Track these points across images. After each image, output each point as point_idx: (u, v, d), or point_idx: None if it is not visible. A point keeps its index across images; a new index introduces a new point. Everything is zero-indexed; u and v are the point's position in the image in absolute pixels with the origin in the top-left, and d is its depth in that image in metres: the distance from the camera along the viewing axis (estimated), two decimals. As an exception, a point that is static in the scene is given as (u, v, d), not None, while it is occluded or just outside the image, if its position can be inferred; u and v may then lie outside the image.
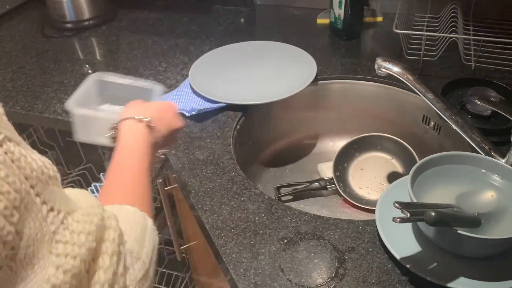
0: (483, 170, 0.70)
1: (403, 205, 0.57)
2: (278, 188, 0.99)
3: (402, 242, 0.64)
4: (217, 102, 0.96)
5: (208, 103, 0.96)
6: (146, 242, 0.47)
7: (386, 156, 1.02)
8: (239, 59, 1.10)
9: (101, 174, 1.09)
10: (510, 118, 0.75)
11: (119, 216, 0.45)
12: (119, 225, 0.42)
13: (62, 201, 0.36)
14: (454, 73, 1.03)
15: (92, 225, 0.37)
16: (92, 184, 1.04)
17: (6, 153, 0.31)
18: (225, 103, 0.95)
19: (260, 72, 1.05)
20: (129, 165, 0.56)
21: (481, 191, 0.68)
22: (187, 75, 1.06)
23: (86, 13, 1.32)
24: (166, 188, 0.95)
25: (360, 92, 1.07)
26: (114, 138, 0.62)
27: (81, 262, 0.35)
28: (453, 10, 1.12)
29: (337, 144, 1.09)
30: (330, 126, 1.13)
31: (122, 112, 0.63)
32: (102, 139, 0.64)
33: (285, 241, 0.68)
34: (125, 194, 0.52)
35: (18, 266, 0.30)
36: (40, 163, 0.34)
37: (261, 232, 0.69)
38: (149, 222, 0.50)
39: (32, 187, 0.32)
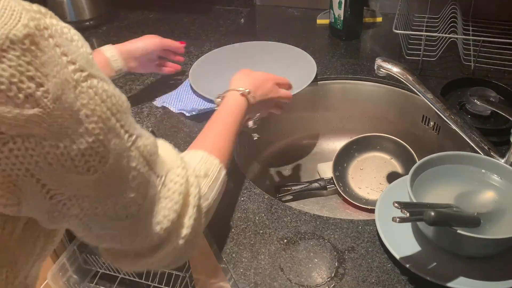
0: (483, 170, 0.70)
1: (403, 205, 0.57)
2: (278, 188, 0.99)
3: (402, 241, 0.65)
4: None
5: (208, 103, 0.96)
6: (215, 190, 0.59)
7: (386, 156, 1.02)
8: (239, 59, 1.10)
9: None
10: (510, 118, 0.75)
11: (199, 161, 0.59)
12: (198, 181, 0.55)
13: (134, 128, 0.44)
14: (454, 73, 1.04)
15: (182, 186, 0.50)
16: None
17: (90, 87, 0.38)
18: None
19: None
20: (221, 124, 0.70)
21: (481, 191, 0.68)
22: (187, 75, 1.06)
23: (87, 14, 1.32)
24: (166, 188, 0.96)
25: (359, 92, 1.07)
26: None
27: (176, 213, 0.49)
28: (452, 10, 1.12)
29: (337, 144, 1.09)
30: (330, 126, 1.13)
31: (231, 82, 0.78)
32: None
33: (285, 241, 0.68)
34: (209, 143, 0.66)
35: (109, 174, 0.40)
36: (118, 97, 0.41)
37: (261, 232, 0.69)
38: (223, 173, 0.62)
39: (113, 114, 0.40)
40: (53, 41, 0.36)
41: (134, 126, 0.44)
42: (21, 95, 0.33)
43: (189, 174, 0.53)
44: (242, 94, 0.75)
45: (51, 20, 0.37)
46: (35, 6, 0.36)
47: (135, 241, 0.47)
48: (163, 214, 0.48)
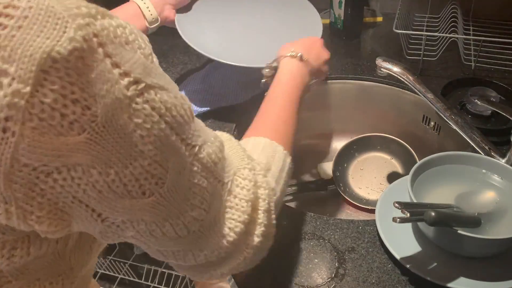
0: (483, 170, 0.69)
1: (403, 205, 0.57)
2: (278, 188, 0.99)
3: (402, 242, 0.64)
4: (215, 103, 0.95)
5: (208, 104, 0.96)
6: (282, 180, 0.54)
7: (386, 156, 1.02)
8: (234, 7, 0.98)
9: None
10: (510, 118, 0.74)
11: (262, 151, 0.53)
12: (267, 181, 0.48)
13: (203, 134, 0.40)
14: (454, 73, 1.03)
15: (250, 192, 0.44)
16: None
17: (146, 102, 0.32)
18: (218, 60, 0.84)
19: (257, 27, 0.94)
20: (279, 102, 0.61)
21: (481, 191, 0.68)
22: (187, 75, 1.06)
23: (86, 13, 1.32)
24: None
25: (360, 92, 1.06)
26: (267, 77, 0.72)
27: (244, 224, 0.43)
28: (453, 10, 1.12)
29: (337, 144, 1.09)
30: (330, 126, 1.13)
31: (278, 52, 0.70)
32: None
33: (285, 241, 0.68)
34: (269, 128, 0.58)
35: (167, 195, 0.35)
36: (180, 106, 0.35)
37: (261, 232, 0.69)
38: (288, 161, 0.56)
39: (172, 129, 0.34)
40: (102, 51, 0.30)
41: (197, 134, 0.38)
42: (64, 123, 0.29)
43: (257, 174, 0.47)
44: (295, 58, 0.67)
45: (102, 22, 0.31)
46: (84, 7, 0.30)
47: (200, 256, 0.42)
48: (229, 226, 0.42)
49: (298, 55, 0.66)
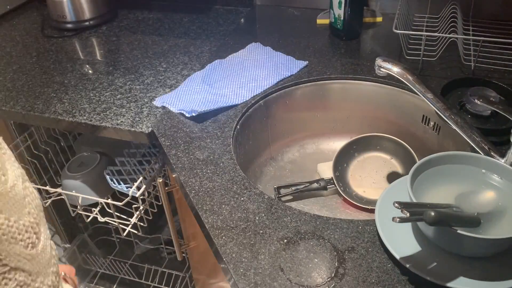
0: (483, 170, 0.70)
1: (403, 205, 0.57)
2: (278, 188, 0.99)
3: (402, 242, 0.65)
4: (215, 103, 0.96)
5: (208, 104, 0.96)
6: None
7: (386, 156, 1.02)
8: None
9: (104, 171, 1.09)
10: (510, 118, 0.75)
11: None
12: None
13: None
14: (454, 73, 1.04)
15: None
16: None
17: None
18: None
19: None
20: None
21: (481, 191, 0.68)
22: (187, 75, 1.06)
23: (86, 13, 1.32)
24: (166, 188, 0.96)
25: (360, 92, 1.07)
26: None
27: None
28: (452, 10, 1.12)
29: (337, 144, 1.09)
30: (330, 126, 1.13)
31: None
32: None
33: (285, 241, 0.68)
34: None
35: None
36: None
37: (261, 232, 0.69)
38: None
39: None
40: None
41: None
42: None
43: None
44: None
45: None
46: None
47: None
48: None
49: None
